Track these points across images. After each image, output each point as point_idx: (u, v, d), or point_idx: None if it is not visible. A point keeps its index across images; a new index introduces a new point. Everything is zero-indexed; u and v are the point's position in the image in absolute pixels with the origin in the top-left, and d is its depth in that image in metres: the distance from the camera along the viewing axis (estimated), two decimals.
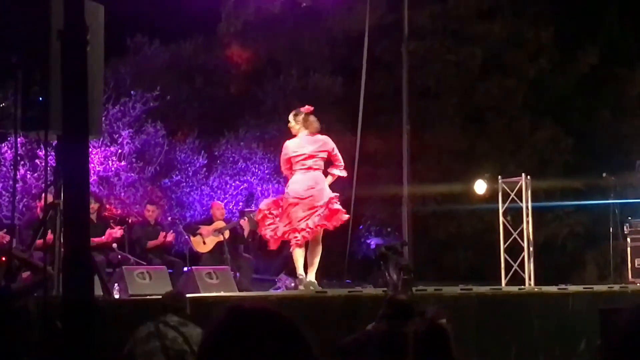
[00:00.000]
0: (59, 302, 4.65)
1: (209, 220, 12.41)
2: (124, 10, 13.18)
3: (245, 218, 12.46)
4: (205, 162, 16.20)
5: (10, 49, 6.74)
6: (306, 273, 9.84)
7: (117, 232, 10.86)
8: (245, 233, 12.37)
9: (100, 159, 14.23)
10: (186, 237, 12.17)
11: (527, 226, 14.05)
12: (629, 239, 13.96)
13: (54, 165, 7.43)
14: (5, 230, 9.90)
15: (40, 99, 6.59)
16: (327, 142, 10.09)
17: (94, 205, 10.98)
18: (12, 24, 6.86)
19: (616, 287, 11.74)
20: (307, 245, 9.93)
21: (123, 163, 14.56)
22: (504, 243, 14.13)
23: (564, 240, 20.31)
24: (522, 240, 14.00)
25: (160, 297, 7.02)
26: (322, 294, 9.15)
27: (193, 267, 10.34)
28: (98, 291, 7.40)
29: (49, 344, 5.31)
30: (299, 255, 9.83)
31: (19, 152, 13.37)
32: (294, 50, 19.91)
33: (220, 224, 12.14)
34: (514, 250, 14.14)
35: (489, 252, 16.14)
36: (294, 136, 10.07)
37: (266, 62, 20.05)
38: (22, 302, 5.98)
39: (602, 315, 9.20)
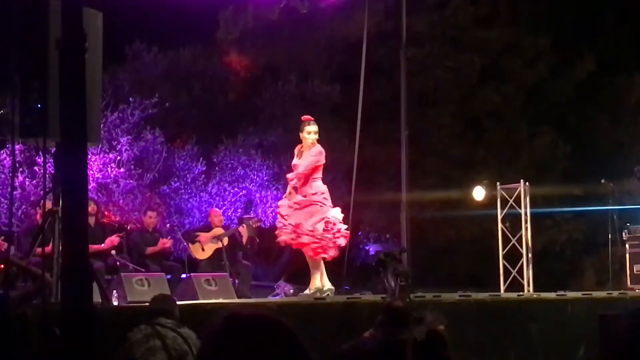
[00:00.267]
0: (57, 309, 4.65)
1: (208, 227, 12.41)
2: (123, 17, 13.20)
3: (244, 225, 12.47)
4: (204, 168, 16.20)
5: (8, 56, 6.74)
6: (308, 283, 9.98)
7: (115, 239, 10.85)
8: (244, 240, 12.38)
9: (99, 166, 14.22)
10: (185, 244, 12.17)
11: (526, 232, 14.06)
12: (627, 245, 13.95)
13: (52, 172, 7.42)
14: (3, 237, 9.90)
15: (39, 106, 6.59)
16: None
17: (93, 207, 10.98)
18: (10, 31, 6.87)
19: (615, 294, 11.74)
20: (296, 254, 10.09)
21: (122, 170, 14.55)
22: (503, 249, 14.14)
23: (562, 247, 20.31)
24: (521, 247, 14.01)
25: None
26: (320, 300, 9.14)
27: (192, 274, 10.34)
28: (97, 298, 7.39)
29: (48, 351, 5.30)
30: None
31: (17, 159, 13.37)
32: (292, 57, 19.93)
33: (218, 230, 12.14)
34: (513, 256, 14.15)
35: (487, 259, 16.14)
36: (313, 145, 10.14)
37: (264, 69, 20.06)
38: (20, 309, 5.98)
39: (601, 322, 9.20)
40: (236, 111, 18.98)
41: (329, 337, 7.63)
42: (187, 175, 15.91)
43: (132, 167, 14.79)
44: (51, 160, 7.25)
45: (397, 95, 14.24)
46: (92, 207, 10.75)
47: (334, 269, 12.22)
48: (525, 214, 14.06)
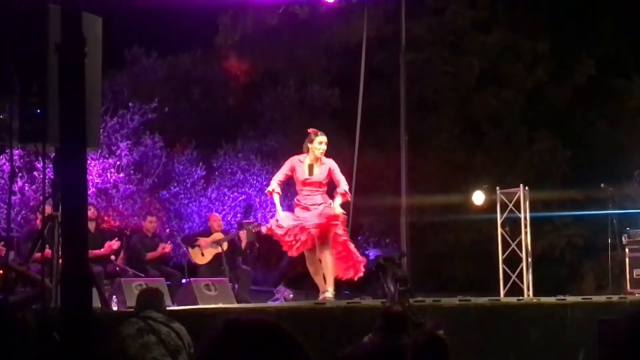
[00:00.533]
0: (57, 314, 4.65)
1: (207, 232, 12.40)
2: (122, 22, 13.21)
3: (244, 230, 12.46)
4: (204, 173, 16.20)
5: (8, 61, 6.74)
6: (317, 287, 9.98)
7: (115, 244, 10.84)
8: (243, 245, 12.37)
9: (99, 171, 14.22)
10: (184, 249, 12.16)
11: (526, 237, 14.06)
12: (627, 250, 13.94)
13: (52, 177, 7.42)
14: (2, 242, 9.88)
15: (38, 111, 6.59)
16: None
17: (94, 212, 10.97)
18: (9, 36, 6.87)
19: (615, 298, 11.73)
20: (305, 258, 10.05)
21: (121, 175, 14.55)
22: (503, 254, 14.13)
23: (562, 251, 20.29)
24: (521, 251, 14.01)
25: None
26: (320, 305, 9.13)
27: (191, 279, 10.33)
28: (96, 303, 7.38)
29: (48, 356, 5.30)
30: None
31: (17, 165, 13.37)
32: (292, 62, 19.94)
33: (218, 235, 12.13)
34: (513, 261, 14.14)
35: (487, 263, 16.13)
36: (322, 155, 10.05)
37: (264, 74, 20.07)
38: (20, 314, 5.97)
39: (601, 326, 9.19)
40: (236, 116, 18.99)
41: (329, 342, 7.62)
42: (187, 180, 15.91)
43: (132, 172, 14.79)
44: (51, 165, 7.24)
45: (396, 100, 14.25)
46: (92, 212, 10.74)
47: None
48: (525, 218, 14.06)
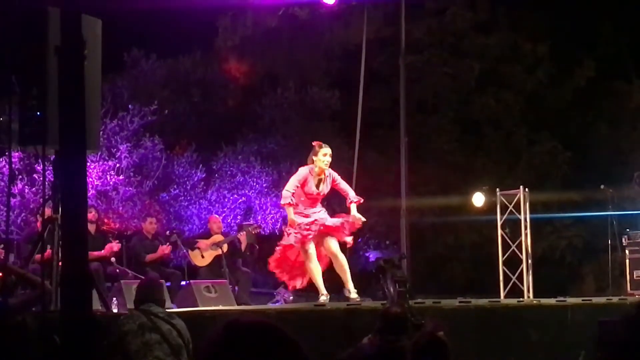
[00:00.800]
0: (57, 317, 4.64)
1: (207, 234, 12.40)
2: (122, 24, 13.21)
3: (244, 232, 12.46)
4: (204, 175, 16.20)
5: (7, 63, 6.74)
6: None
7: (115, 246, 10.85)
8: (243, 247, 12.37)
9: (98, 173, 14.22)
10: (184, 251, 12.16)
11: (526, 238, 14.06)
12: (627, 251, 13.93)
13: (52, 179, 7.42)
14: (2, 245, 9.89)
15: (38, 113, 6.58)
16: None
17: (94, 214, 10.98)
18: (9, 39, 6.87)
19: (615, 299, 11.72)
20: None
21: (121, 177, 14.55)
22: (503, 255, 14.13)
23: (562, 253, 20.29)
24: (521, 253, 14.00)
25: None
26: (320, 307, 9.13)
27: (191, 281, 10.33)
28: (96, 305, 7.38)
29: (48, 359, 5.29)
30: None
31: (17, 167, 13.37)
32: (292, 64, 19.95)
33: (218, 237, 12.13)
34: (513, 262, 14.14)
35: (487, 265, 16.13)
36: (326, 167, 10.14)
37: (263, 76, 20.08)
38: (20, 317, 5.96)
39: (601, 327, 9.18)
40: (235, 118, 19.00)
41: (329, 344, 7.62)
42: (187, 182, 15.91)
43: (132, 174, 14.79)
44: (50, 167, 7.24)
45: (396, 102, 14.28)
46: (92, 214, 10.75)
47: (334, 276, 12.21)
48: (525, 220, 14.06)
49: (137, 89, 17.23)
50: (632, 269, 13.78)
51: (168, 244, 11.82)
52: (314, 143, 10.27)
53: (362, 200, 10.31)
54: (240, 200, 16.23)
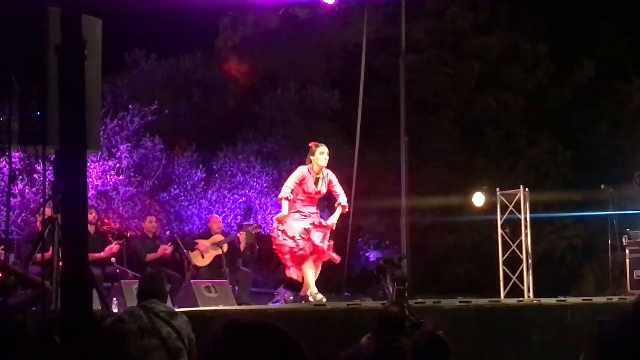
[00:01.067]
0: (57, 317, 4.65)
1: (207, 234, 12.40)
2: (122, 24, 13.21)
3: (244, 231, 12.46)
4: (204, 175, 16.20)
5: (7, 63, 6.74)
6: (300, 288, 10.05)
7: (115, 247, 10.84)
8: (242, 246, 12.36)
9: (99, 173, 14.22)
10: (184, 251, 12.15)
11: (526, 238, 14.05)
12: (627, 251, 13.93)
13: (52, 179, 7.41)
14: (2, 245, 9.89)
15: (38, 113, 6.58)
16: None
17: (94, 215, 10.97)
18: (9, 39, 6.87)
19: (615, 299, 11.72)
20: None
21: (121, 177, 14.55)
22: (503, 255, 14.12)
23: (562, 252, 20.29)
24: (521, 253, 14.00)
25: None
26: (321, 307, 9.13)
27: (192, 281, 10.32)
28: (96, 306, 7.38)
29: (48, 359, 5.29)
30: None
31: (17, 167, 13.36)
32: (292, 64, 19.95)
33: (218, 237, 12.13)
34: (513, 262, 14.13)
35: (487, 264, 16.12)
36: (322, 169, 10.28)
37: (264, 76, 20.09)
38: (20, 317, 5.96)
39: (601, 327, 9.18)
40: (235, 118, 19.01)
41: (329, 343, 7.62)
42: (187, 182, 15.92)
43: (132, 174, 14.79)
44: (51, 167, 7.24)
45: (396, 102, 14.27)
46: (92, 216, 10.74)
47: (334, 276, 12.24)
48: (525, 219, 14.05)
49: (137, 89, 17.23)
50: (632, 268, 13.78)
51: (169, 243, 11.83)
52: (310, 144, 10.44)
53: (347, 209, 10.49)
54: (240, 200, 16.24)
